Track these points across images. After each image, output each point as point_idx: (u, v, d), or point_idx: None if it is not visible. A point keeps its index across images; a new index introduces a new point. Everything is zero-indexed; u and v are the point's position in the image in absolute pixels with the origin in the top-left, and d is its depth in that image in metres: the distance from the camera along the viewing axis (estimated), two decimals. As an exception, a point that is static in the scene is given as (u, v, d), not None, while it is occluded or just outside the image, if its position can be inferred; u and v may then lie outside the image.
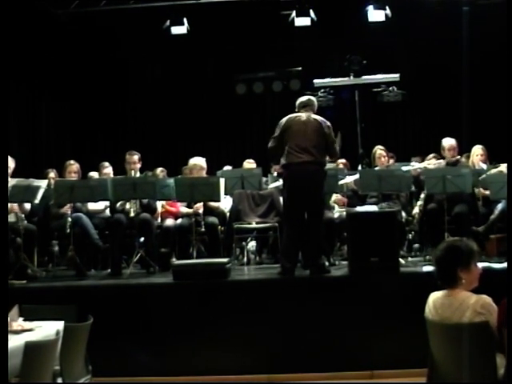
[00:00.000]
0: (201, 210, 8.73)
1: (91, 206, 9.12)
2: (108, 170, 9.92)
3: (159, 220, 9.32)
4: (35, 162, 12.35)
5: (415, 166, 9.16)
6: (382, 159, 9.34)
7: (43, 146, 13.31)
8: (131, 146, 9.82)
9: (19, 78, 11.99)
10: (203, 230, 8.74)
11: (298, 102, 7.94)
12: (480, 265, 4.51)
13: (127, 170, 9.02)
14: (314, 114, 7.83)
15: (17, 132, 12.12)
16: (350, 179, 9.10)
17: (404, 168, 8.97)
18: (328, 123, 7.74)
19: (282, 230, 8.48)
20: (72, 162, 9.29)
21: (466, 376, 4.26)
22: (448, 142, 9.01)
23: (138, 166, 9.05)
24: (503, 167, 8.75)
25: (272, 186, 9.37)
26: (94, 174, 10.07)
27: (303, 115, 7.74)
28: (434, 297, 4.51)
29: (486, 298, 4.31)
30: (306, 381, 7.05)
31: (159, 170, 10.63)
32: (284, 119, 7.78)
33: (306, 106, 7.88)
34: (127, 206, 8.69)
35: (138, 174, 9.01)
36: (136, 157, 9.02)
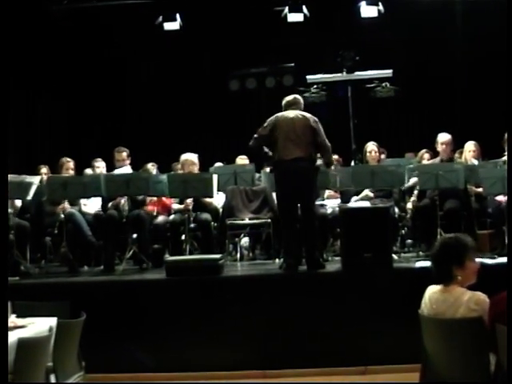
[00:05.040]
0: (191, 206, 8.75)
1: (84, 208, 9.13)
2: (100, 164, 9.89)
3: (155, 213, 9.34)
4: (30, 159, 12.32)
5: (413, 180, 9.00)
6: (373, 154, 9.33)
7: (38, 143, 13.28)
8: (124, 142, 9.80)
9: (13, 75, 11.93)
10: (192, 225, 8.76)
11: (284, 102, 8.00)
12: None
13: (117, 167, 9.04)
14: (301, 111, 7.90)
15: (11, 129, 12.07)
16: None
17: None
18: (315, 118, 7.80)
19: (275, 226, 8.52)
20: (68, 159, 9.32)
21: (457, 371, 4.27)
22: (445, 137, 8.99)
23: (127, 162, 9.06)
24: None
25: None
26: (90, 171, 10.06)
27: (291, 113, 7.80)
28: (430, 291, 4.52)
29: (481, 295, 4.31)
30: (299, 376, 7.06)
31: (150, 165, 10.60)
32: (271, 118, 7.84)
33: (292, 104, 7.94)
34: (122, 201, 8.69)
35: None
36: (124, 154, 9.04)
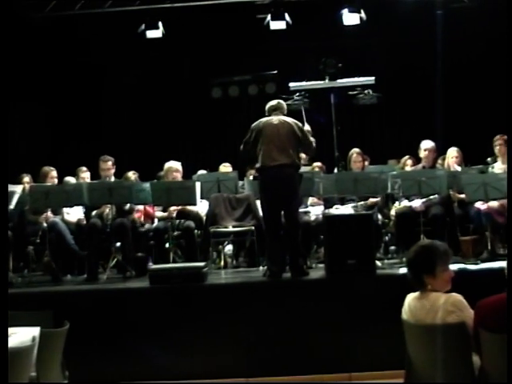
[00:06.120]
0: (174, 214, 8.75)
1: (67, 216, 9.09)
2: (86, 174, 9.87)
3: (142, 219, 9.32)
4: (11, 168, 12.25)
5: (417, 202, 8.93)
6: (358, 164, 9.37)
7: (18, 151, 13.21)
8: (106, 151, 9.78)
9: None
10: (176, 233, 8.76)
11: (267, 107, 8.03)
12: (455, 266, 4.51)
13: (102, 176, 9.02)
14: (285, 116, 7.93)
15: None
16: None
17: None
18: (299, 123, 7.86)
19: (258, 234, 8.50)
20: (51, 167, 9.28)
21: (440, 377, 4.28)
22: (428, 144, 9.03)
23: (112, 171, 9.06)
24: None
25: None
26: (70, 179, 10.01)
27: (275, 118, 7.82)
28: (410, 298, 4.54)
29: (456, 296, 4.33)
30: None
31: (131, 173, 10.56)
32: (256, 123, 7.86)
33: (276, 109, 7.97)
34: (106, 210, 8.67)
35: (112, 179, 8.99)
36: (110, 163, 9.03)
